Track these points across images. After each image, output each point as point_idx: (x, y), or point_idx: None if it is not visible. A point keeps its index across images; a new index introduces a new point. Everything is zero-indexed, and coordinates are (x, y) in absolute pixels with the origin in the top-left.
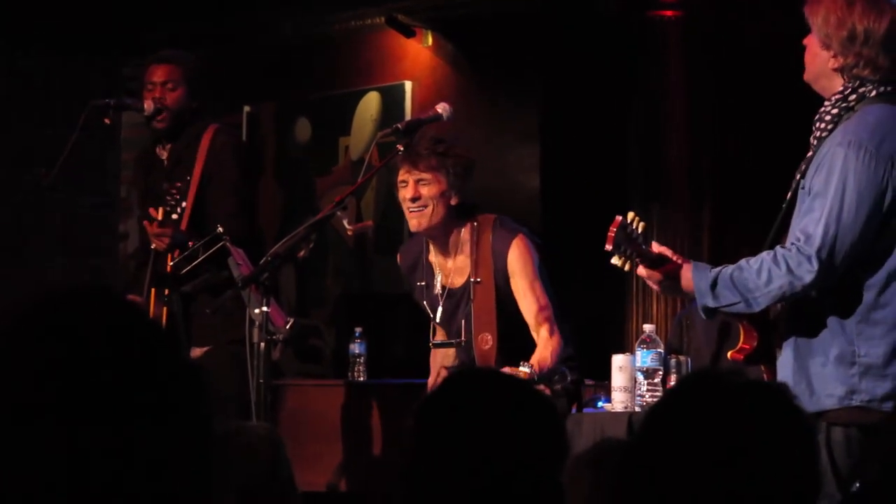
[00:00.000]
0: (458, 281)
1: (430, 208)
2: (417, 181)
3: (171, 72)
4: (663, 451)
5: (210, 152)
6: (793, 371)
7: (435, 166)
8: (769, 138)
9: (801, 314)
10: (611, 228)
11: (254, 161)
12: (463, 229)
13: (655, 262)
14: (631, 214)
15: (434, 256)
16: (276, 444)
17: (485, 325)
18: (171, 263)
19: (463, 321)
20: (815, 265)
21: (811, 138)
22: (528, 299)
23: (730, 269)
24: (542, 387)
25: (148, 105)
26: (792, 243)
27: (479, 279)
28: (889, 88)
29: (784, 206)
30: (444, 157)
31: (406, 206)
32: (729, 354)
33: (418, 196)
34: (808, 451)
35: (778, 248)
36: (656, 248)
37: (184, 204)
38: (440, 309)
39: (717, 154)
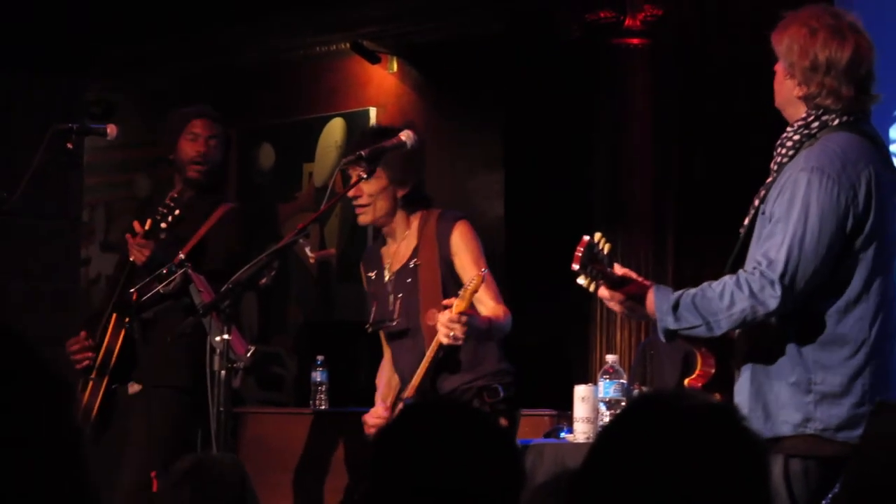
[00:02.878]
0: (396, 266)
1: (371, 206)
2: (360, 178)
3: (214, 127)
4: (612, 474)
5: (218, 223)
6: (749, 396)
7: (366, 170)
8: (732, 163)
9: (759, 341)
10: (577, 248)
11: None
12: (412, 218)
13: (618, 283)
14: (598, 235)
15: (385, 248)
16: (243, 472)
17: (432, 302)
18: (135, 289)
19: (398, 303)
20: (779, 290)
21: (772, 163)
22: (472, 272)
23: (692, 291)
24: (503, 420)
25: (111, 130)
26: (754, 267)
27: (418, 262)
28: (851, 118)
29: (743, 231)
30: (383, 153)
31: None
32: (686, 381)
33: (359, 194)
34: (757, 473)
35: (740, 272)
36: (619, 270)
37: (177, 212)
38: (394, 296)
39: (681, 179)
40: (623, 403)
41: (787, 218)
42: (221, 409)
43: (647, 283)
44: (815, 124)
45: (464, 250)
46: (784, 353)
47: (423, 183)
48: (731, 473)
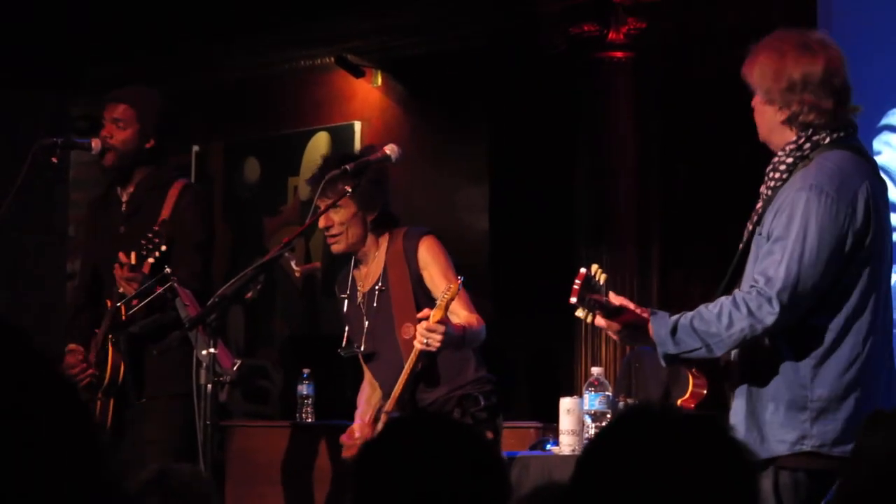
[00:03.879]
0: (366, 289)
1: (343, 234)
2: (329, 206)
3: (122, 110)
4: (601, 486)
5: (176, 208)
6: (745, 418)
7: (342, 192)
8: (716, 177)
9: (753, 360)
10: (575, 281)
11: (215, 218)
12: (380, 240)
13: (614, 312)
14: (595, 267)
15: (355, 269)
16: (208, 483)
17: (406, 316)
18: (121, 303)
19: (365, 327)
20: (777, 307)
21: (763, 188)
22: (443, 285)
23: (689, 315)
24: (488, 433)
25: (95, 144)
26: (751, 286)
27: (383, 287)
28: (842, 134)
29: (738, 254)
30: (368, 166)
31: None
32: (679, 402)
33: (330, 224)
34: (745, 483)
35: (737, 291)
36: (615, 299)
37: (163, 248)
38: (364, 319)
39: (665, 193)
40: (608, 416)
41: (785, 236)
42: (208, 422)
43: (644, 311)
44: (807, 145)
45: (432, 264)
46: (779, 373)
47: (390, 203)
48: (720, 484)
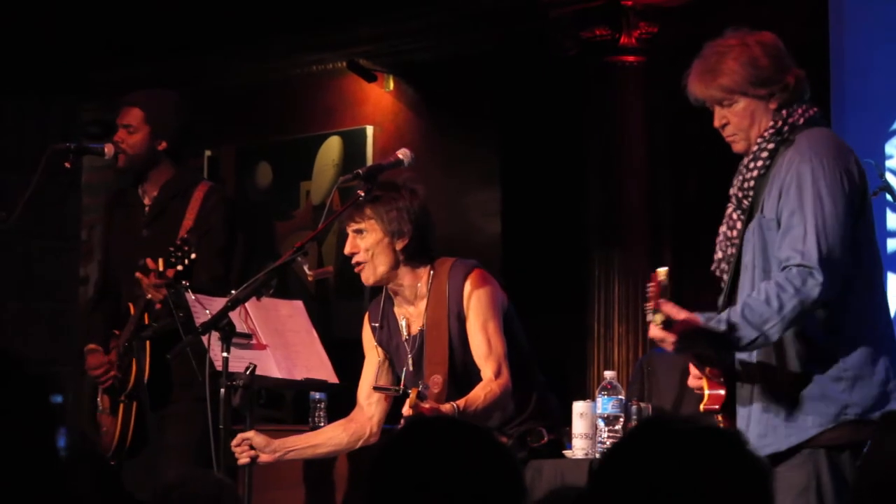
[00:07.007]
0: (414, 330)
1: (370, 262)
2: (355, 231)
3: (132, 115)
4: (617, 498)
5: (201, 212)
6: (761, 412)
7: (368, 215)
8: (727, 181)
9: (767, 351)
10: (650, 286)
11: (239, 221)
12: (420, 272)
13: (671, 324)
14: (663, 272)
15: (398, 308)
16: (221, 490)
17: (436, 367)
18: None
19: (405, 371)
20: (820, 277)
21: (737, 181)
22: (476, 339)
23: (738, 309)
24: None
25: (108, 149)
26: (785, 266)
27: (425, 326)
28: (812, 113)
29: (734, 258)
30: (376, 204)
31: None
32: (702, 408)
33: (355, 251)
34: (760, 497)
35: (774, 274)
36: (678, 313)
37: (192, 256)
38: (409, 358)
39: (677, 197)
40: (621, 419)
41: (801, 208)
42: (221, 427)
43: (692, 316)
44: (786, 129)
45: (474, 312)
46: (800, 355)
47: (431, 234)
48: (735, 498)
